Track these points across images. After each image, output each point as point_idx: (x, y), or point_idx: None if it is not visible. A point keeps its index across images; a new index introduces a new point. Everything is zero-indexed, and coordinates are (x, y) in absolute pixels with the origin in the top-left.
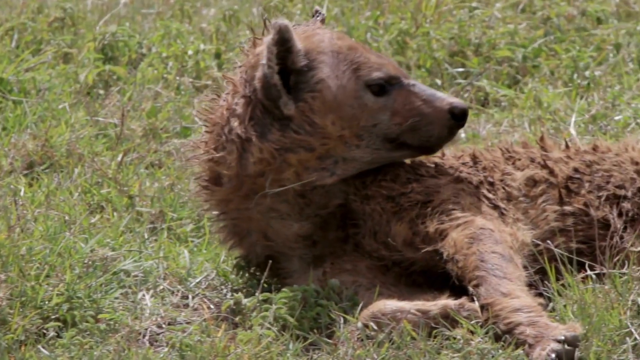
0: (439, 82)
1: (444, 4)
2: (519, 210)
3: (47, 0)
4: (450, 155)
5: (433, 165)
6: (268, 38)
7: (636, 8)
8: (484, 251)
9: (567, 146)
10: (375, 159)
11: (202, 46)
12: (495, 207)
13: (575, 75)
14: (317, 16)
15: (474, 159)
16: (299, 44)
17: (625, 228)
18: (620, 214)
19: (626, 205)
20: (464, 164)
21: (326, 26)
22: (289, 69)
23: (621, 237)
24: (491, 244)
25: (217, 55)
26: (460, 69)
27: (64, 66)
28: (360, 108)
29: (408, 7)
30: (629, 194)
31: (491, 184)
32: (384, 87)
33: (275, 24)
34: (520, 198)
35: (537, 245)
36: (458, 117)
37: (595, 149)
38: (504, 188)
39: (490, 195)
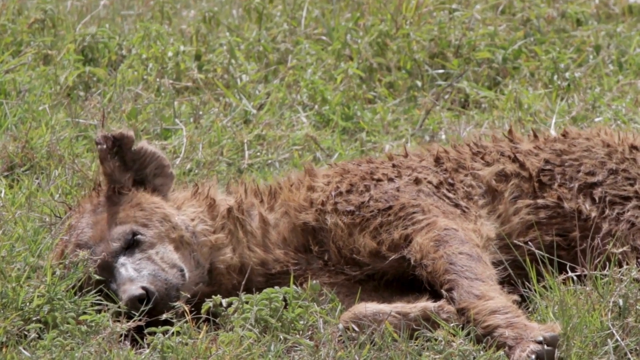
0: (419, 83)
1: (424, 5)
2: (482, 208)
3: (27, 2)
4: (412, 155)
5: (390, 167)
6: None
7: (616, 10)
8: (451, 253)
9: (535, 136)
10: None
11: (182, 48)
12: (456, 205)
13: (555, 77)
14: (98, 146)
15: (437, 159)
16: None
17: (603, 213)
18: (593, 201)
19: (599, 190)
20: (424, 166)
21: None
22: None
23: (602, 237)
24: (457, 244)
25: (197, 57)
26: (441, 71)
27: (44, 68)
28: None
29: (388, 8)
30: (600, 178)
31: (451, 184)
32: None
33: None
34: (484, 195)
35: (512, 243)
36: (134, 309)
37: (565, 135)
38: (464, 188)
39: (450, 195)
